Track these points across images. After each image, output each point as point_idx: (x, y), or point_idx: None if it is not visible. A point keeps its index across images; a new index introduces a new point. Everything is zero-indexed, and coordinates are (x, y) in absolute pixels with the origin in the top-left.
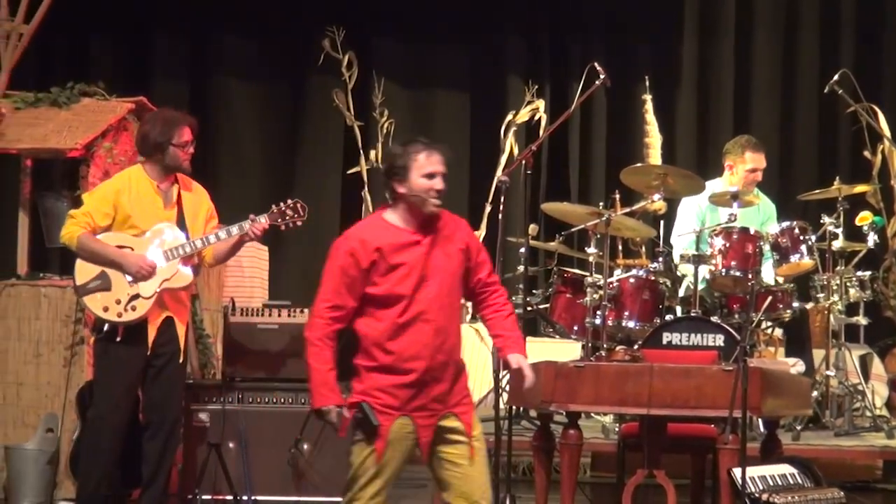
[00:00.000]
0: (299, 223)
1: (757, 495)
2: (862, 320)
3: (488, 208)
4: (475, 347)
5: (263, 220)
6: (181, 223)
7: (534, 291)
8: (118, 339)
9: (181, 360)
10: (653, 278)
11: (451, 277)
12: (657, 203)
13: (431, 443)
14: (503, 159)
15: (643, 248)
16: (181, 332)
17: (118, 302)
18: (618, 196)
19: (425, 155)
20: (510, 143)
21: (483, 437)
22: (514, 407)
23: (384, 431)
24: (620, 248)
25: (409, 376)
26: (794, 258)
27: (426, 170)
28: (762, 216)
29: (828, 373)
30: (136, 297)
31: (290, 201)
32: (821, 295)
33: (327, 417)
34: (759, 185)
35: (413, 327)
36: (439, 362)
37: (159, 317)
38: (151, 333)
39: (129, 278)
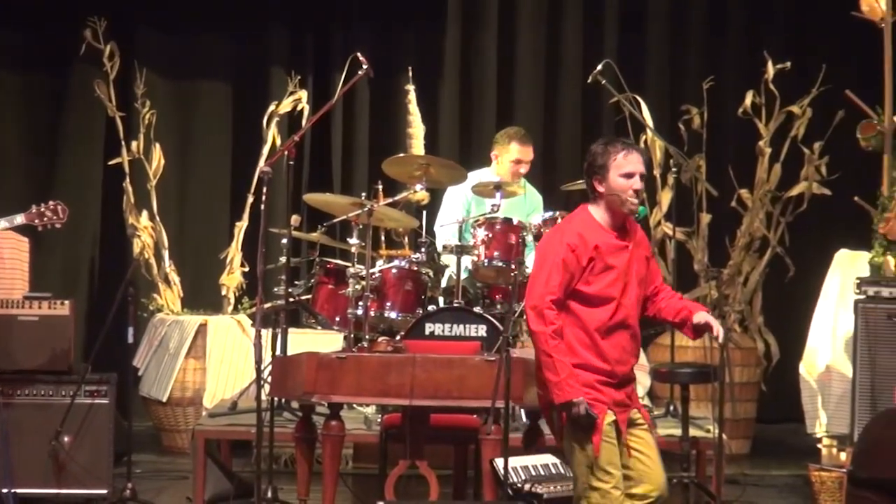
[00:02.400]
0: (58, 225)
1: (519, 485)
2: None
3: (250, 199)
4: (237, 339)
5: (20, 219)
6: None
7: (296, 282)
8: None
9: None
10: (415, 269)
11: (642, 284)
12: (420, 193)
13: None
14: (266, 150)
15: (406, 239)
16: None
17: None
18: (380, 187)
19: (623, 154)
20: (273, 134)
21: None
22: (275, 398)
23: (599, 423)
24: (383, 238)
25: (612, 378)
26: None
27: (624, 169)
28: (528, 207)
29: None
30: None
31: (51, 203)
32: None
33: (578, 408)
34: (525, 175)
35: (617, 332)
36: (633, 366)
37: None
38: None
39: None
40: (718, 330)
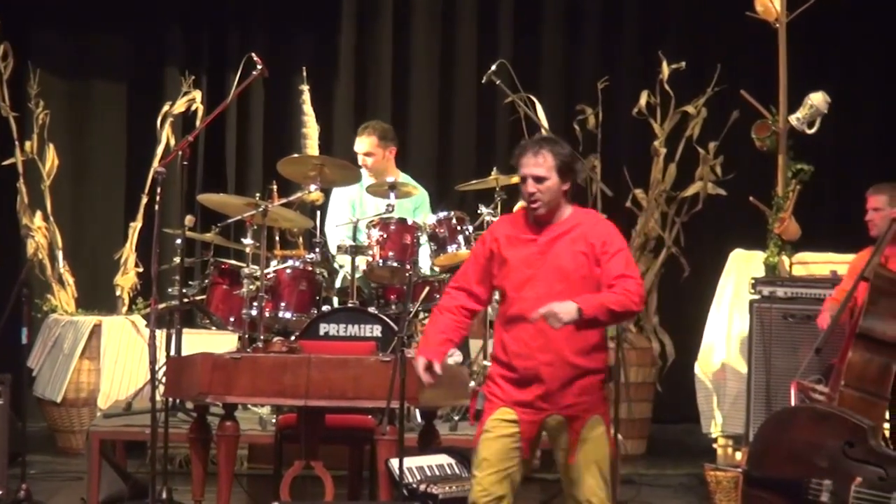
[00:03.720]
0: None
1: (415, 486)
2: None
3: (145, 199)
4: (131, 339)
5: None
6: None
7: (190, 283)
8: None
9: None
10: (310, 269)
11: (565, 280)
12: (314, 193)
13: (537, 439)
14: (160, 150)
15: (301, 239)
16: None
17: None
18: (275, 187)
19: (517, 157)
20: (167, 134)
21: (601, 441)
22: (170, 399)
23: (483, 418)
24: (278, 238)
25: (512, 371)
26: (451, 248)
27: (520, 172)
28: (413, 203)
29: (485, 363)
30: None
31: None
32: None
33: (416, 361)
34: (416, 172)
35: (518, 325)
36: (543, 363)
37: None
38: None
39: None
40: (537, 312)
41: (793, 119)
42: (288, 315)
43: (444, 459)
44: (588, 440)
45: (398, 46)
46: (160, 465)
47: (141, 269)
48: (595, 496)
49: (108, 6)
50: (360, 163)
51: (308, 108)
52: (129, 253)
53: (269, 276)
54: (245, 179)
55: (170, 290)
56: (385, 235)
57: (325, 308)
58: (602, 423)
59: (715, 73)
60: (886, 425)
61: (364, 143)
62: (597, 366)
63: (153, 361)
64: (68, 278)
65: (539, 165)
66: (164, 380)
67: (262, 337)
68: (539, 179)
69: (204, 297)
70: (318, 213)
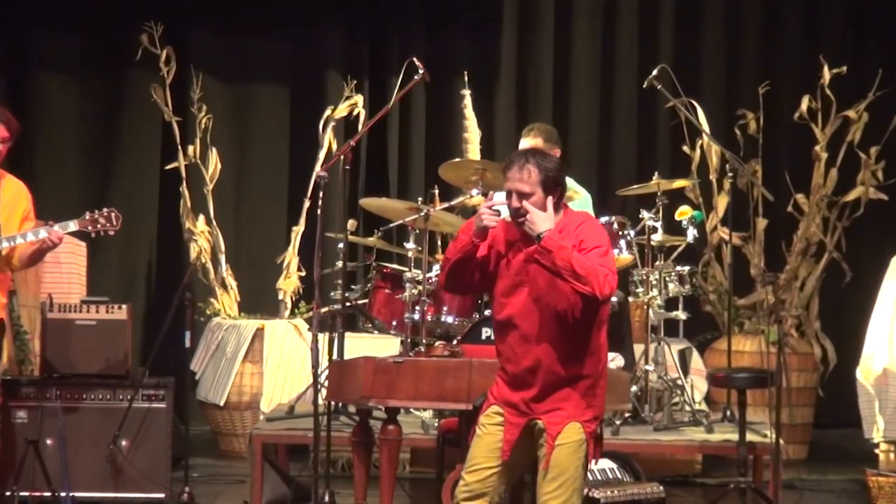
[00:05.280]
0: (111, 232)
1: None
2: (681, 315)
3: (307, 203)
4: (294, 343)
5: (73, 226)
6: None
7: (352, 287)
8: None
9: None
10: None
11: (553, 287)
12: (476, 198)
13: (520, 442)
14: (322, 154)
15: None
16: None
17: None
18: (436, 191)
19: (504, 168)
20: (329, 139)
21: (573, 449)
22: (332, 402)
23: (477, 417)
24: (439, 243)
25: (504, 374)
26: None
27: (505, 186)
28: (577, 207)
29: (647, 367)
30: None
31: (105, 210)
32: (640, 290)
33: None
34: (578, 177)
35: (506, 330)
36: (526, 368)
37: None
38: None
39: None
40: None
41: None
42: (450, 319)
43: (605, 464)
44: (560, 447)
45: (559, 51)
46: (323, 468)
47: (303, 273)
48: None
49: (270, 11)
50: None
51: (469, 112)
52: (291, 257)
53: (431, 281)
54: (407, 184)
55: (332, 293)
56: None
57: (487, 312)
58: (581, 432)
59: (876, 77)
60: None
61: (530, 145)
62: (583, 372)
63: (316, 365)
64: (231, 282)
65: (524, 181)
66: (326, 383)
67: (424, 341)
68: (523, 195)
69: (366, 300)
70: None
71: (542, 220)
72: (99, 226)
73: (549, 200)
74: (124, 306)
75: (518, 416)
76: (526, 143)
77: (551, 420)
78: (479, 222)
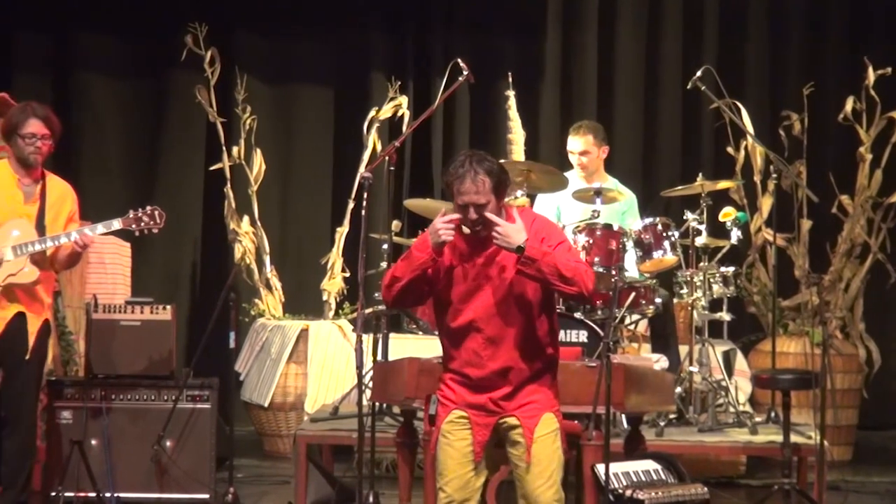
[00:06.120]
0: (155, 230)
1: (620, 491)
2: (725, 316)
3: (351, 204)
4: (338, 343)
5: (117, 224)
6: (40, 221)
7: None
8: None
9: (27, 357)
10: None
11: (513, 288)
12: (520, 199)
13: (489, 442)
14: (366, 155)
15: None
16: (32, 327)
17: None
18: None
19: (452, 182)
20: (373, 140)
21: (552, 439)
22: (377, 403)
23: (438, 423)
24: None
25: (466, 379)
26: (657, 254)
27: (458, 202)
28: (622, 207)
29: (691, 369)
30: None
31: (148, 208)
32: (684, 291)
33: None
34: (622, 178)
35: (466, 335)
36: (494, 371)
37: (9, 311)
38: (0, 328)
39: None
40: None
41: None
42: None
43: (649, 465)
44: (540, 439)
45: (603, 51)
46: (367, 469)
47: (347, 274)
48: (542, 495)
49: (314, 12)
50: (574, 163)
51: (514, 113)
52: (335, 258)
53: None
54: None
55: (376, 294)
56: (591, 241)
57: None
58: (555, 421)
59: None
60: None
61: (580, 142)
62: (548, 363)
63: (360, 366)
64: (275, 283)
65: (479, 193)
66: (370, 384)
67: None
68: (480, 206)
69: None
70: None
71: (515, 232)
72: (143, 224)
73: (501, 205)
74: (169, 307)
75: (487, 416)
76: (575, 140)
77: (525, 414)
78: (437, 238)
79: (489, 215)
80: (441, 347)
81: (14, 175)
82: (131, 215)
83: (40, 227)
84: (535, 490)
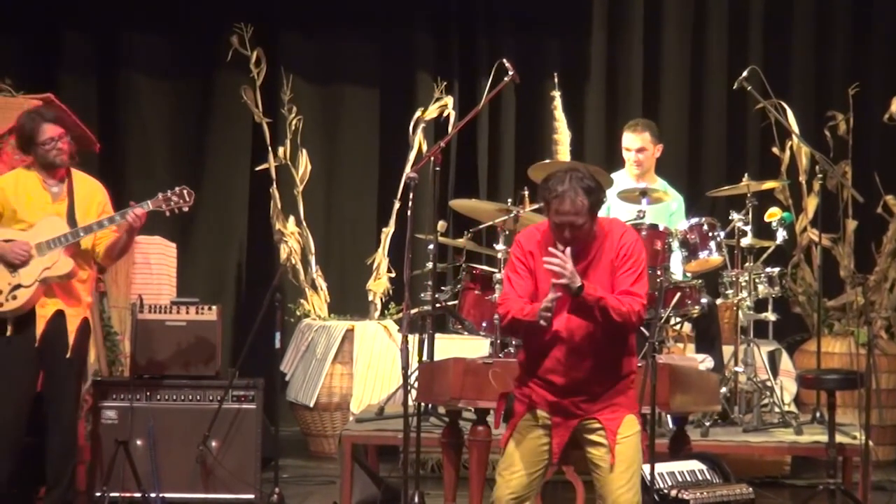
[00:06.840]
0: (185, 208)
1: (665, 491)
2: (771, 316)
3: (397, 205)
4: (384, 344)
5: (148, 206)
6: (71, 216)
7: (442, 288)
8: (7, 333)
9: (68, 355)
10: None
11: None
12: None
13: (568, 444)
14: (412, 156)
15: None
16: (72, 325)
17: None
18: (526, 193)
19: (551, 198)
20: (419, 140)
21: (635, 441)
22: (422, 403)
23: (514, 421)
24: None
25: (549, 384)
26: (702, 255)
27: (555, 220)
28: (670, 208)
29: (736, 369)
30: (18, 286)
31: (177, 188)
32: (729, 291)
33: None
34: (668, 178)
35: (551, 343)
36: (576, 380)
37: (49, 309)
38: (40, 326)
39: (11, 269)
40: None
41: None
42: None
43: (695, 465)
44: (624, 441)
45: (648, 52)
46: (412, 469)
47: (393, 275)
48: (622, 496)
49: (359, 12)
50: (630, 160)
51: (559, 113)
52: (381, 258)
53: None
54: (496, 185)
55: (422, 295)
56: None
57: None
58: (636, 423)
59: None
60: None
61: (637, 140)
62: (627, 369)
63: (405, 366)
64: (321, 283)
65: (577, 214)
66: (416, 384)
67: (513, 342)
68: (576, 228)
69: (456, 302)
70: None
71: (574, 277)
72: (172, 203)
73: (594, 220)
74: (214, 307)
75: (569, 419)
76: (632, 137)
77: (609, 417)
78: (539, 322)
79: (560, 256)
80: (523, 348)
81: (39, 177)
82: (160, 196)
83: (72, 222)
84: (616, 491)
